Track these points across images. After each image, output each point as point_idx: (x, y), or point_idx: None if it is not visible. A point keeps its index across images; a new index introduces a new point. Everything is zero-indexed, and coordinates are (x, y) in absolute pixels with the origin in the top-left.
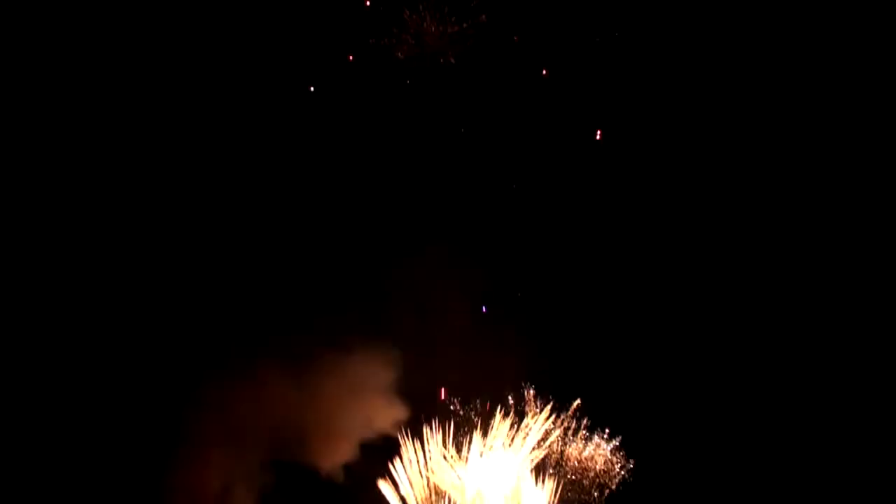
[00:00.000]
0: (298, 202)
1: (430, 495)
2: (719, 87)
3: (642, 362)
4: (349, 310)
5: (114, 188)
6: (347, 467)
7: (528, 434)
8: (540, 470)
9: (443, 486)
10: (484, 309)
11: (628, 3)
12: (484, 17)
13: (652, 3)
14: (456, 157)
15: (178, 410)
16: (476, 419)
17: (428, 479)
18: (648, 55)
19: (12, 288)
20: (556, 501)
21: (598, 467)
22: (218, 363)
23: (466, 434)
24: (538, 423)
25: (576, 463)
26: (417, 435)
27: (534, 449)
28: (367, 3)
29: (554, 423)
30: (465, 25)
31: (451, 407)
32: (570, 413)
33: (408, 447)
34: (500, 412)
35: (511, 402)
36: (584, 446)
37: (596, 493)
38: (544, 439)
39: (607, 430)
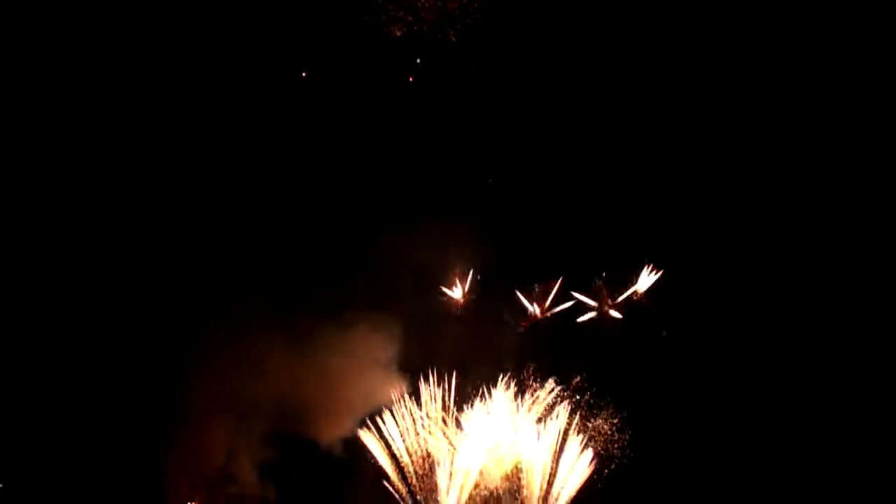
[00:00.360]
0: (301, 179)
1: (423, 454)
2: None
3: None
4: (350, 284)
5: (118, 161)
6: (347, 441)
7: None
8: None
9: (436, 448)
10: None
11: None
12: None
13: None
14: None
15: (181, 383)
16: (473, 391)
17: (425, 439)
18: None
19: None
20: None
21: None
22: (220, 336)
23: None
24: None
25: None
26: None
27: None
28: None
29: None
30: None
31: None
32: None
33: (403, 407)
34: (502, 382)
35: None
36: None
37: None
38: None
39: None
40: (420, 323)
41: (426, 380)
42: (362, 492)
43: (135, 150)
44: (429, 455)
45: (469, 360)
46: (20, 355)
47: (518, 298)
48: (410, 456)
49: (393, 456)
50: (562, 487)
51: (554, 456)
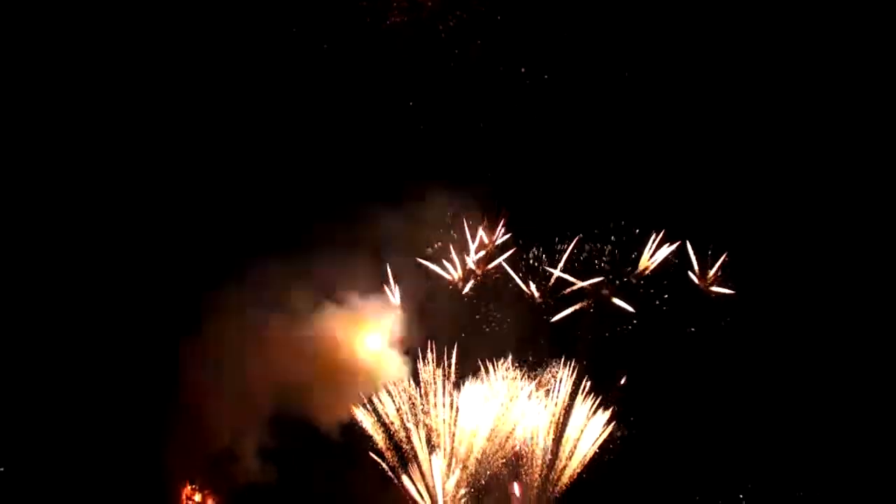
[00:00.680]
0: (296, 156)
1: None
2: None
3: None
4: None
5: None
6: (346, 423)
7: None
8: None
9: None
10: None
11: None
12: None
13: None
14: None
15: (180, 364)
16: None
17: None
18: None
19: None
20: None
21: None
22: (219, 315)
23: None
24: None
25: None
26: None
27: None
28: None
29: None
30: None
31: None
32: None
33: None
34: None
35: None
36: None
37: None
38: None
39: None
40: (421, 303)
41: (424, 359)
42: (362, 473)
43: (129, 127)
44: (428, 435)
45: (470, 338)
46: (17, 335)
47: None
48: (408, 435)
49: (390, 437)
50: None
51: (557, 427)
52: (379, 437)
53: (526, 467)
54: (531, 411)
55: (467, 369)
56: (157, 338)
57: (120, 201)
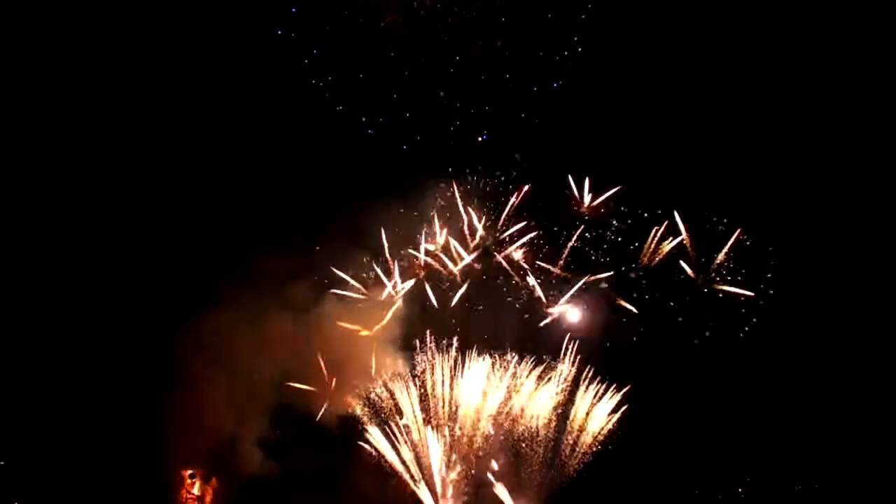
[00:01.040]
0: (297, 149)
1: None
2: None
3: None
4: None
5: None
6: (347, 416)
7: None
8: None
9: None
10: None
11: None
12: None
13: None
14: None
15: (180, 355)
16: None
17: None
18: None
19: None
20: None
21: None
22: (220, 308)
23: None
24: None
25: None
26: None
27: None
28: None
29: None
30: None
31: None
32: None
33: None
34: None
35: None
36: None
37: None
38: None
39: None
40: (420, 296)
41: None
42: (361, 466)
43: (128, 121)
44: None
45: (470, 329)
46: (14, 325)
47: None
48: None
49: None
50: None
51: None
52: (377, 430)
53: (526, 455)
54: (533, 400)
55: (468, 360)
56: (155, 328)
57: (121, 192)
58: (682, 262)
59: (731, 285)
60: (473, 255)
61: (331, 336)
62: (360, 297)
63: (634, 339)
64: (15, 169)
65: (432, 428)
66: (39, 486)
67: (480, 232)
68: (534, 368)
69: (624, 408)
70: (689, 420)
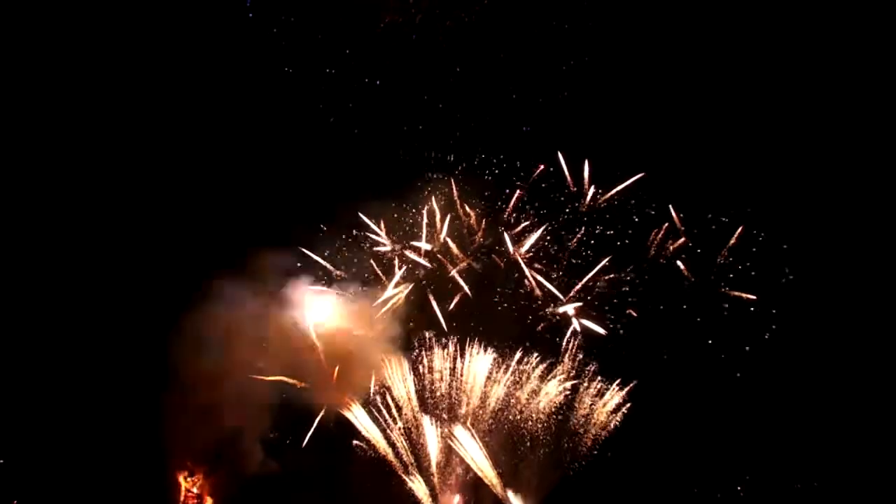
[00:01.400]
0: (295, 150)
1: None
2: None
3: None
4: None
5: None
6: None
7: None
8: None
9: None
10: None
11: None
12: None
13: None
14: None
15: (179, 354)
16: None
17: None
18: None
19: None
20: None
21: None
22: (219, 308)
23: None
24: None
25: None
26: None
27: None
28: None
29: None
30: None
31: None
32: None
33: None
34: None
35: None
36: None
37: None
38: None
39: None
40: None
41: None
42: (361, 464)
43: (126, 121)
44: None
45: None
46: (12, 324)
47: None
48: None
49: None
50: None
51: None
52: (376, 428)
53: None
54: (533, 398)
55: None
56: (154, 326)
57: (121, 190)
58: (679, 263)
59: (733, 286)
60: (473, 254)
61: (331, 334)
62: (361, 294)
63: (635, 337)
64: (14, 168)
65: (431, 423)
66: (39, 484)
67: (479, 232)
68: (535, 366)
69: (624, 406)
70: (689, 419)
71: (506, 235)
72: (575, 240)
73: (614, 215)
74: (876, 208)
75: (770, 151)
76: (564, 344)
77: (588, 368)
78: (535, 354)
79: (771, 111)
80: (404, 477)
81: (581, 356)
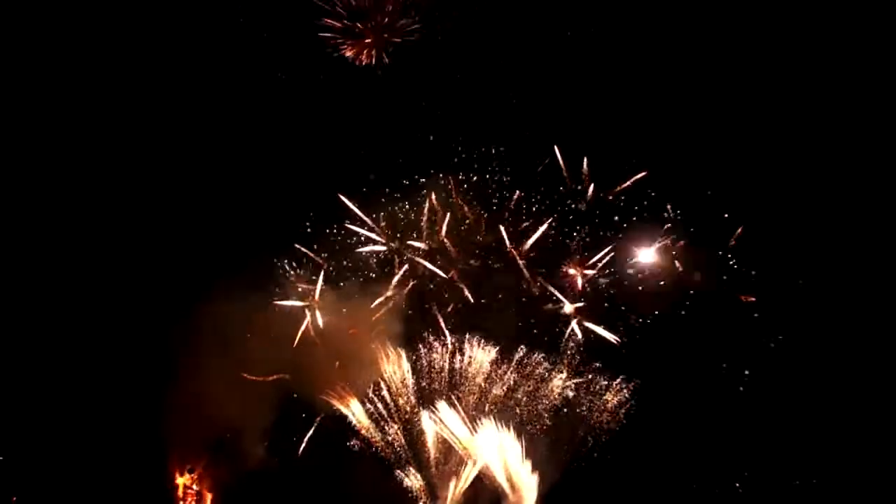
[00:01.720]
0: (298, 148)
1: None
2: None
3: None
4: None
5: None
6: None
7: None
8: None
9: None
10: None
11: None
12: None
13: None
14: None
15: (181, 349)
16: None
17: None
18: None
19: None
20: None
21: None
22: (219, 303)
23: None
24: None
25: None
26: None
27: None
28: None
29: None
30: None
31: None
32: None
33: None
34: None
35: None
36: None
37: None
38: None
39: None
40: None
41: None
42: (360, 461)
43: (130, 121)
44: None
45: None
46: (12, 322)
47: None
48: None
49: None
50: None
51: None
52: (374, 425)
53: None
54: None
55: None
56: (155, 321)
57: (122, 184)
58: (676, 262)
59: (732, 285)
60: (473, 253)
61: (331, 331)
62: (361, 291)
63: (634, 334)
64: (15, 165)
65: (428, 418)
66: (39, 480)
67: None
68: (536, 364)
69: (624, 404)
70: (687, 415)
71: (504, 232)
72: (578, 241)
73: (614, 213)
74: (876, 208)
75: (770, 151)
76: (564, 343)
77: (588, 367)
78: (536, 353)
79: (771, 111)
80: (402, 472)
81: (582, 355)
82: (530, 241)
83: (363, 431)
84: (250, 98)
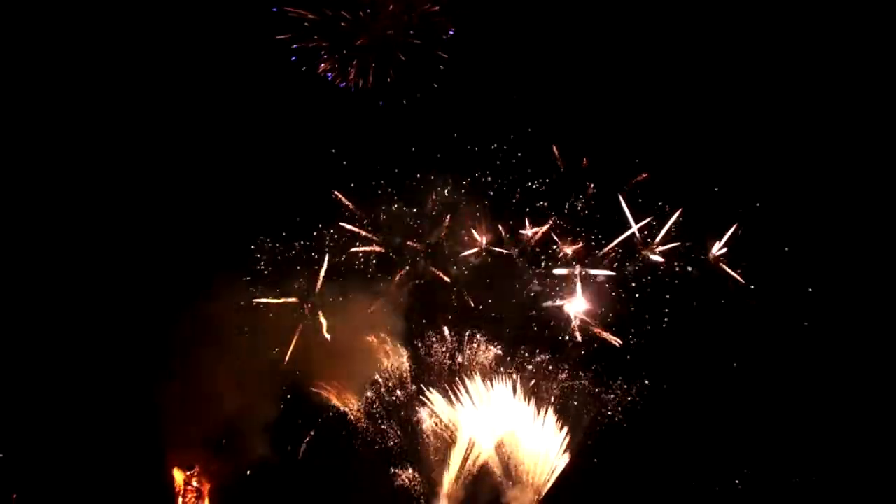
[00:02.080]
0: (300, 145)
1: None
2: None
3: None
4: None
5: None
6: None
7: None
8: None
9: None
10: None
11: None
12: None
13: None
14: None
15: (180, 343)
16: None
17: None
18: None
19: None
20: None
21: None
22: (219, 297)
23: None
24: None
25: None
26: None
27: None
28: None
29: None
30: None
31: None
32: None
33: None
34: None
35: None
36: None
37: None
38: None
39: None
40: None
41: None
42: (363, 459)
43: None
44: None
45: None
46: (9, 318)
47: None
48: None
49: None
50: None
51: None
52: (376, 421)
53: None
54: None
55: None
56: (155, 316)
57: (122, 177)
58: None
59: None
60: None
61: (332, 327)
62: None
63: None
64: (13, 160)
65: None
66: (39, 478)
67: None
68: (534, 363)
69: (624, 402)
70: (687, 412)
71: (502, 231)
72: (581, 244)
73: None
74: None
75: (769, 151)
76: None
77: (588, 366)
78: (537, 351)
79: (769, 111)
80: (402, 469)
81: (581, 353)
82: (532, 236)
83: (363, 428)
84: (250, 98)
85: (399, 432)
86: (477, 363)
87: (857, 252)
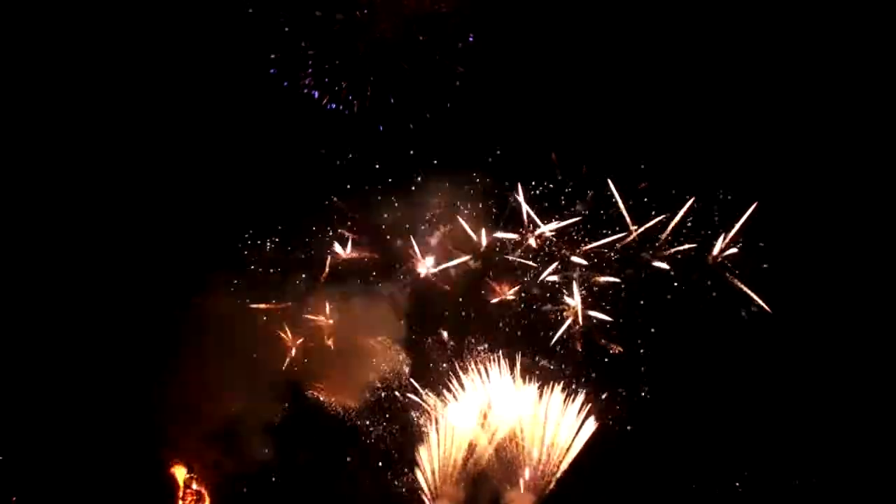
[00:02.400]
0: (300, 143)
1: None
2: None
3: None
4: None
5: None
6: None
7: None
8: None
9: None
10: None
11: None
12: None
13: None
14: None
15: (179, 345)
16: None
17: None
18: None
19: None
20: None
21: None
22: (219, 300)
23: None
24: None
25: None
26: None
27: None
28: None
29: None
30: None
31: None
32: None
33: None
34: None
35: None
36: None
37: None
38: None
39: None
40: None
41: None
42: (364, 460)
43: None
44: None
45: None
46: (10, 317)
47: None
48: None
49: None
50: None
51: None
52: (377, 423)
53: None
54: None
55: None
56: (154, 317)
57: (123, 175)
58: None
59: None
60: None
61: (333, 328)
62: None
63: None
64: (13, 159)
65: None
66: (39, 480)
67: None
68: (534, 367)
69: (623, 403)
70: (687, 415)
71: (503, 235)
72: (585, 247)
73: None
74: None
75: (769, 152)
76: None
77: (589, 370)
78: (537, 356)
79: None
80: (403, 470)
81: (582, 356)
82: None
83: (363, 429)
84: (249, 97)
85: (398, 434)
86: (476, 366)
87: (858, 252)
